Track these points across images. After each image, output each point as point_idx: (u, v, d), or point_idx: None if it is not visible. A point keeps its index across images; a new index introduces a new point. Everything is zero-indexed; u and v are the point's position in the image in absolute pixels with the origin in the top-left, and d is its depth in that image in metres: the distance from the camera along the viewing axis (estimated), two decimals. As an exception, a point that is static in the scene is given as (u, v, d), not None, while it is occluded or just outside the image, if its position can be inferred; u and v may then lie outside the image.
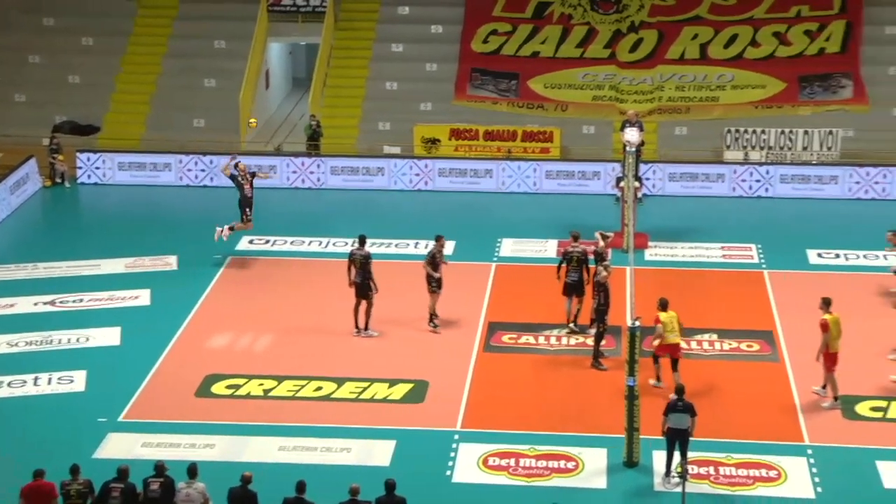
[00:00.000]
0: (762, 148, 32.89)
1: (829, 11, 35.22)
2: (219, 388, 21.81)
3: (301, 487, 16.85)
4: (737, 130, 33.01)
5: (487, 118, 33.97)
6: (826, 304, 20.86)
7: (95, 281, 26.45)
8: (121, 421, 20.75)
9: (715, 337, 23.50)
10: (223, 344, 23.64)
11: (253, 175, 27.66)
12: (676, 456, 18.64)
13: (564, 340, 23.49)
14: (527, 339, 23.56)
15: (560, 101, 34.12)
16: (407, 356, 22.94)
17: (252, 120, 31.37)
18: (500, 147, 33.43)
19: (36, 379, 22.15)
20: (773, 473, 19.03)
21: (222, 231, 27.28)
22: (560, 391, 21.74)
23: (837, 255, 27.59)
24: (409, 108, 34.72)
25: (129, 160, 33.24)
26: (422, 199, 32.07)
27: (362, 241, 23.89)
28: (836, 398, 20.81)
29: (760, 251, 27.84)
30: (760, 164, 32.22)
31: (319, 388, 21.73)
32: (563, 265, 23.62)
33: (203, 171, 33.00)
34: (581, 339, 23.34)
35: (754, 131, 32.95)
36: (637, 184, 27.84)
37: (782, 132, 32.90)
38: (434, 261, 23.54)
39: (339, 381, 21.91)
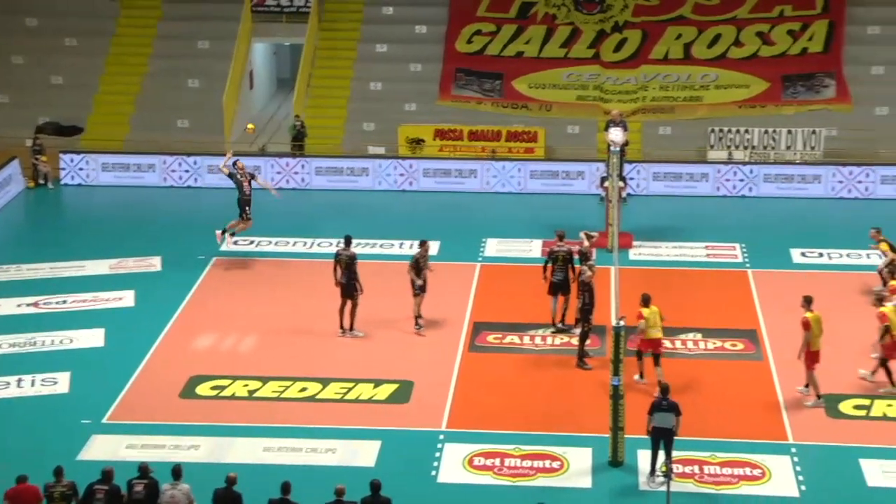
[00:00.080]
0: (746, 147, 32.98)
1: (811, 11, 35.35)
2: (203, 389, 21.77)
3: (286, 488, 16.83)
4: (720, 130, 33.09)
5: (472, 118, 33.99)
6: (807, 302, 20.94)
7: (79, 282, 26.38)
8: (105, 422, 20.69)
9: (699, 336, 23.56)
10: (208, 345, 23.60)
11: (252, 176, 27.58)
12: (661, 455, 18.67)
13: (549, 340, 23.52)
14: (512, 338, 23.58)
15: (544, 101, 34.15)
16: (392, 356, 22.94)
17: (250, 126, 31.25)
18: (485, 147, 33.45)
19: (19, 381, 22.07)
20: (757, 472, 19.08)
21: (223, 237, 27.16)
22: (545, 391, 21.76)
23: (821, 254, 27.69)
24: (393, 108, 34.72)
25: (113, 161, 33.16)
26: (406, 200, 32.07)
27: (348, 242, 23.87)
28: (818, 396, 20.89)
29: (744, 250, 27.92)
30: (744, 163, 32.32)
31: (304, 389, 21.71)
32: (549, 265, 23.64)
33: (187, 171, 32.93)
34: (566, 339, 23.36)
35: (738, 131, 33.05)
36: (621, 183, 27.86)
37: (766, 132, 33.01)
38: (417, 266, 23.52)
39: (325, 382, 21.89)
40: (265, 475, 18.41)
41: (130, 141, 34.27)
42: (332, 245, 27.45)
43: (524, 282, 25.67)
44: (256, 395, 21.57)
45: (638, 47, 35.22)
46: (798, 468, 19.20)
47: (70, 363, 22.71)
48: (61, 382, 22.05)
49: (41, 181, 32.87)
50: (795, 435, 20.15)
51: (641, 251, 27.86)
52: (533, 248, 28.01)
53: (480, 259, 27.63)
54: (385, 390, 21.65)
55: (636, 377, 21.49)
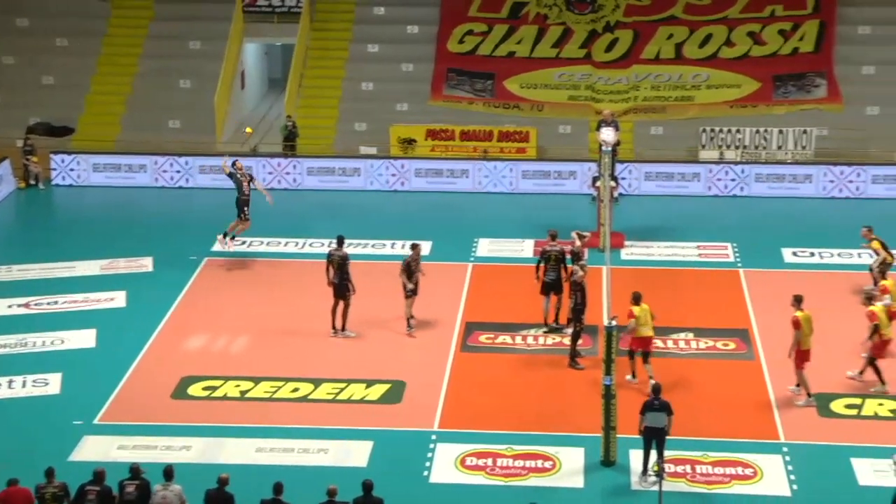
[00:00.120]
0: (737, 147, 33.02)
1: (802, 11, 35.40)
2: (195, 389, 21.74)
3: (278, 489, 16.82)
4: (712, 130, 33.13)
5: (463, 118, 33.98)
6: (798, 301, 20.98)
7: (70, 283, 26.33)
8: (96, 423, 20.66)
9: (691, 336, 23.58)
10: (199, 345, 23.57)
11: (251, 177, 27.53)
12: (653, 455, 18.69)
13: (541, 340, 23.53)
14: (504, 338, 23.58)
15: (536, 100, 34.16)
16: (384, 357, 22.93)
17: (248, 129, 31.14)
18: (477, 147, 33.45)
19: (10, 382, 22.02)
20: (749, 471, 19.11)
21: (226, 243, 27.10)
22: (537, 391, 21.77)
23: (812, 254, 27.74)
24: (385, 108, 34.70)
25: (104, 161, 33.11)
26: (398, 200, 32.07)
27: (340, 242, 23.87)
28: (809, 395, 20.93)
29: (736, 250, 27.96)
30: (735, 163, 32.36)
31: (296, 390, 21.69)
32: (542, 264, 23.66)
33: (178, 172, 32.90)
34: (558, 339, 23.38)
35: (729, 130, 33.09)
36: (613, 183, 27.89)
37: (757, 131, 33.05)
38: (409, 269, 23.50)
39: (317, 382, 21.88)
40: (257, 476, 18.39)
41: (122, 141, 34.21)
42: (323, 245, 27.44)
43: (516, 282, 25.67)
44: (248, 395, 21.55)
45: (629, 47, 35.25)
46: (790, 467, 19.23)
47: (61, 364, 22.67)
48: (53, 383, 22.01)
49: (32, 182, 32.81)
50: (787, 434, 20.19)
51: (633, 251, 27.89)
52: (525, 248, 28.02)
53: (472, 259, 27.64)
54: (377, 390, 21.64)
55: (628, 377, 21.51)
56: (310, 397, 21.47)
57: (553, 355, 22.90)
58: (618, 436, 19.19)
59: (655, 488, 17.94)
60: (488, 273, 26.83)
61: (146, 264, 27.37)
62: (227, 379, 22.03)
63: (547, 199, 31.80)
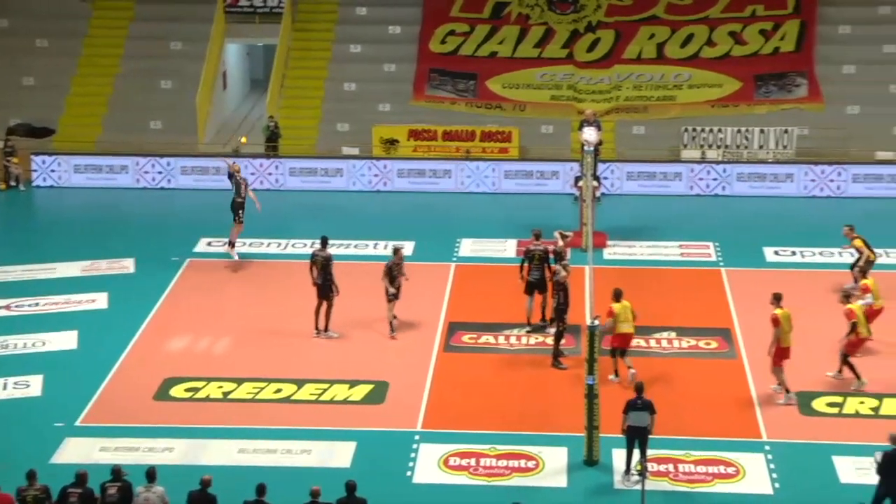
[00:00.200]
0: (719, 147, 33.11)
1: (783, 11, 35.52)
2: (178, 391, 21.68)
3: (261, 490, 16.79)
4: (694, 129, 33.21)
5: (446, 118, 33.98)
6: (776, 299, 21.07)
7: (52, 284, 26.22)
8: (78, 425, 20.58)
9: (674, 335, 23.64)
10: (182, 347, 23.51)
11: (246, 183, 27.41)
12: (636, 454, 18.72)
13: (524, 340, 23.55)
14: (487, 338, 23.59)
15: (518, 100, 34.20)
16: (367, 357, 22.91)
17: (243, 139, 30.98)
18: (459, 147, 33.45)
19: (-8, 384, 21.96)
20: (731, 470, 19.16)
21: (232, 250, 26.98)
22: (520, 391, 21.79)
23: (794, 253, 27.84)
24: (367, 108, 34.68)
25: (85, 163, 33.01)
26: (381, 200, 32.05)
27: (324, 243, 23.86)
28: (787, 391, 21.00)
29: (718, 249, 28.04)
30: (717, 162, 32.45)
31: (279, 390, 21.65)
32: (526, 264, 23.68)
33: (160, 173, 32.82)
34: (541, 339, 23.40)
35: (711, 130, 33.18)
36: (595, 183, 27.92)
37: (739, 131, 33.15)
38: (391, 273, 23.48)
39: (299, 383, 21.85)
40: (240, 477, 18.35)
41: (103, 142, 34.09)
42: (306, 246, 27.41)
43: (499, 282, 25.70)
44: (231, 396, 21.50)
45: (611, 47, 35.31)
46: (772, 466, 19.29)
47: (43, 366, 22.57)
48: (34, 385, 21.91)
49: (12, 183, 32.67)
50: (769, 432, 20.25)
51: (616, 250, 27.94)
52: (507, 248, 28.04)
53: (455, 259, 27.64)
54: (360, 391, 21.62)
55: (611, 376, 21.55)
56: (293, 398, 21.44)
57: (536, 355, 22.92)
58: (601, 435, 19.21)
59: (638, 487, 17.97)
60: (471, 273, 26.84)
61: (128, 266, 27.28)
62: (209, 380, 21.97)
63: (529, 199, 31.83)
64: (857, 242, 24.69)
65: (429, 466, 19.33)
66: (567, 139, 33.53)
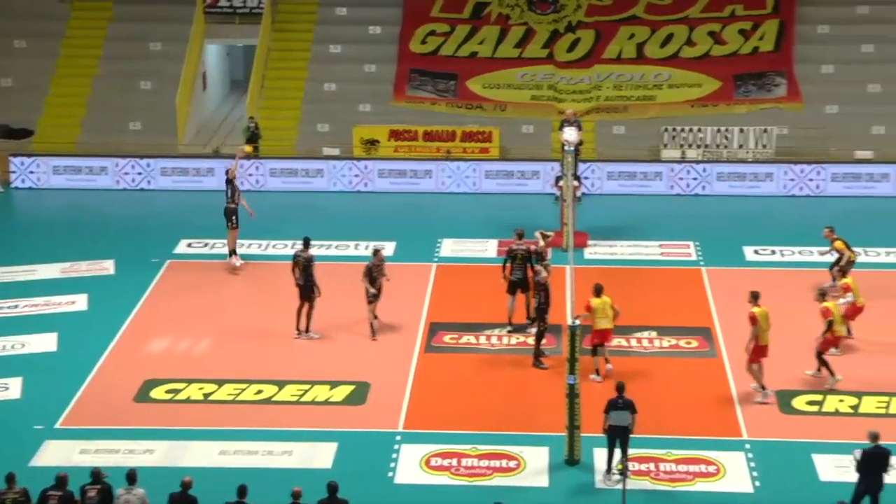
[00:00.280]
0: (699, 146, 33.19)
1: (762, 11, 35.64)
2: (158, 392, 21.62)
3: (242, 491, 16.76)
4: (674, 129, 33.28)
5: (426, 119, 33.97)
6: (754, 297, 21.15)
7: (31, 286, 26.11)
8: (58, 428, 20.50)
9: (654, 334, 23.69)
10: (162, 348, 23.44)
11: (239, 190, 27.19)
12: (617, 453, 18.76)
13: (505, 340, 23.56)
14: (468, 338, 23.60)
15: (499, 101, 34.22)
16: (348, 358, 22.89)
17: (248, 147, 30.83)
18: (440, 147, 33.45)
19: (-30, 387, 21.85)
20: (712, 469, 19.22)
21: (236, 261, 26.78)
22: (501, 391, 21.80)
23: (773, 252, 27.94)
24: (347, 109, 34.64)
25: (65, 164, 32.87)
26: (361, 201, 32.02)
27: (306, 244, 23.83)
28: (763, 388, 21.06)
29: (698, 248, 28.11)
30: (697, 162, 32.54)
31: (260, 392, 21.61)
32: (508, 263, 23.70)
33: (140, 174, 32.71)
34: (522, 339, 23.42)
35: (691, 130, 33.26)
36: (576, 183, 27.96)
37: (718, 130, 33.24)
38: (371, 275, 23.46)
39: (280, 384, 21.81)
40: (221, 478, 18.28)
41: (82, 143, 33.95)
42: (287, 247, 27.38)
43: (480, 282, 25.71)
44: (212, 398, 21.45)
45: (591, 47, 35.37)
46: (752, 464, 19.36)
47: (22, 368, 22.47)
48: (13, 388, 21.81)
49: (-9, 185, 32.54)
50: (749, 431, 20.32)
51: (596, 250, 27.99)
52: (488, 248, 28.06)
53: (436, 259, 27.64)
54: (341, 392, 21.60)
55: (592, 375, 21.58)
56: (274, 399, 21.40)
57: (517, 355, 22.93)
58: (582, 435, 19.25)
59: (619, 486, 18.00)
60: (452, 273, 26.84)
61: (108, 267, 27.18)
62: (190, 382, 21.91)
63: (510, 198, 31.86)
64: (839, 244, 24.76)
65: (410, 467, 19.32)
66: (548, 139, 33.57)
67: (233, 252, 26.90)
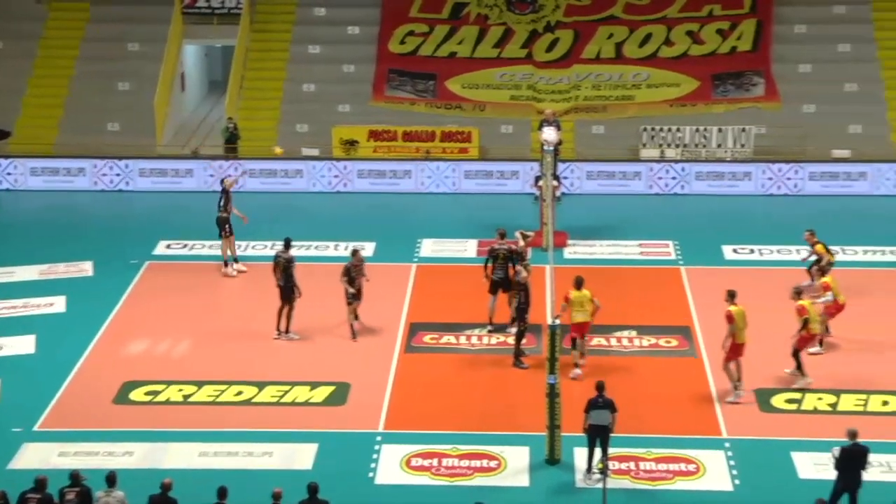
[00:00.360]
0: (677, 146, 33.29)
1: (740, 10, 35.78)
2: (137, 394, 21.54)
3: (223, 493, 16.71)
4: (652, 129, 33.37)
5: (405, 119, 33.96)
6: (731, 296, 21.24)
7: (9, 288, 25.98)
8: (36, 430, 20.41)
9: (634, 333, 23.75)
10: (141, 350, 23.36)
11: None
12: (597, 452, 18.80)
13: (485, 340, 23.58)
14: (448, 338, 23.60)
15: (478, 101, 34.24)
16: (328, 358, 22.87)
17: (278, 149, 30.67)
18: (419, 147, 33.45)
19: (-52, 390, 21.72)
20: (691, 467, 19.28)
21: (233, 268, 26.59)
22: (482, 390, 21.82)
23: (752, 251, 28.05)
24: (326, 109, 34.60)
25: (42, 165, 32.72)
26: (341, 201, 31.99)
27: (287, 245, 23.79)
28: (739, 379, 21.10)
29: (677, 248, 28.20)
30: (676, 161, 32.64)
31: (240, 393, 21.57)
32: (490, 263, 23.72)
33: (118, 175, 32.59)
34: (502, 338, 23.44)
35: (669, 129, 33.36)
36: (555, 182, 28.03)
37: (697, 130, 33.34)
38: (349, 275, 23.43)
39: (260, 385, 21.76)
40: (201, 480, 18.23)
41: (60, 145, 33.80)
42: (266, 248, 27.32)
43: (460, 282, 25.72)
44: (191, 399, 21.39)
45: (570, 47, 35.43)
46: (732, 462, 19.43)
47: (0, 370, 22.33)
48: (-9, 390, 21.73)
49: (-32, 186, 32.36)
50: (729, 430, 20.39)
51: (576, 250, 28.04)
52: (468, 248, 28.07)
53: (416, 259, 27.63)
54: (321, 392, 21.57)
55: (571, 375, 21.60)
56: (254, 400, 21.36)
57: (497, 355, 22.95)
58: (562, 434, 19.27)
59: (600, 486, 18.04)
60: (432, 273, 26.85)
61: (86, 269, 27.07)
62: (169, 383, 21.85)
63: (490, 198, 31.88)
64: (819, 248, 24.80)
65: (391, 467, 19.32)
66: (527, 139, 33.61)
67: (228, 261, 26.61)
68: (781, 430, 20.37)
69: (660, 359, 22.94)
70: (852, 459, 17.51)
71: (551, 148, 27.08)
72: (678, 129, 33.34)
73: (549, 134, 27.12)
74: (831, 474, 17.81)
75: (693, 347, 23.26)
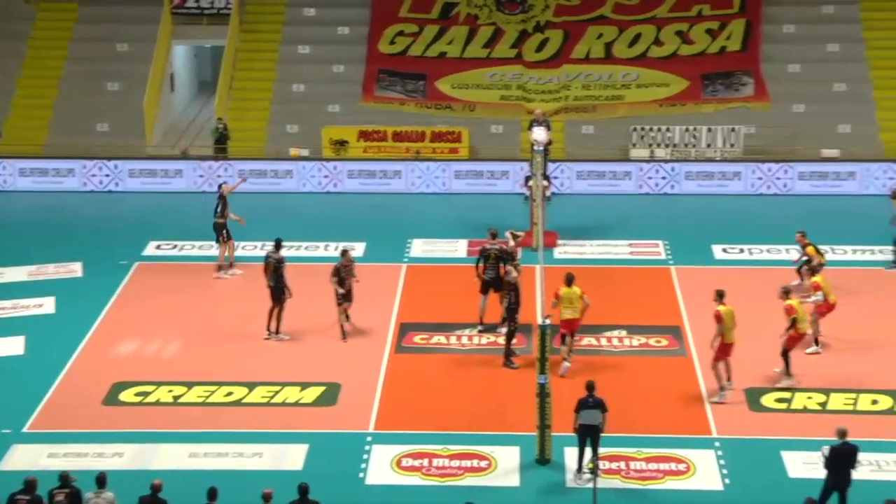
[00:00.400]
0: (667, 146, 33.33)
1: (729, 10, 35.84)
2: (127, 395, 21.50)
3: (213, 494, 16.69)
4: (642, 128, 33.41)
5: (395, 119, 33.95)
6: (719, 296, 21.27)
7: (-2, 289, 25.95)
8: (26, 432, 20.36)
9: (624, 333, 23.77)
10: (131, 351, 23.32)
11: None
12: (588, 452, 18.81)
13: (476, 340, 23.58)
14: (438, 339, 23.60)
15: (468, 101, 34.25)
16: (318, 359, 22.85)
17: (299, 150, 30.53)
18: (409, 148, 33.44)
19: (-63, 391, 21.65)
20: (682, 467, 19.30)
21: (228, 272, 26.49)
22: (472, 391, 21.82)
23: (742, 250, 28.09)
24: (316, 110, 34.57)
25: (31, 166, 32.65)
26: (331, 201, 31.97)
27: (278, 245, 23.78)
28: (721, 388, 21.12)
29: (667, 247, 28.24)
30: (666, 161, 32.68)
31: (230, 394, 21.54)
32: (481, 263, 23.73)
33: (108, 176, 32.53)
34: (492, 339, 23.44)
35: (659, 129, 33.40)
36: (545, 182, 28.04)
37: (686, 130, 33.38)
38: (339, 275, 23.41)
39: (251, 386, 21.74)
40: (191, 481, 18.23)
41: (49, 145, 33.72)
42: (256, 248, 27.29)
43: (450, 282, 25.72)
44: (181, 400, 21.36)
45: (560, 47, 35.45)
46: (722, 462, 19.45)
47: (-11, 372, 22.33)
48: (-20, 392, 21.67)
49: (-43, 187, 32.28)
50: (719, 429, 20.42)
51: (566, 249, 28.06)
52: (458, 248, 28.07)
53: (406, 260, 27.63)
54: (312, 393, 21.55)
55: (560, 371, 21.61)
56: (244, 401, 21.33)
57: (487, 355, 22.96)
58: (553, 434, 19.28)
59: (590, 485, 18.05)
60: (422, 274, 26.84)
61: (75, 270, 27.02)
62: (159, 384, 21.81)
63: (480, 198, 31.89)
64: (810, 250, 24.82)
65: (381, 467, 19.31)
66: (517, 139, 33.62)
67: (222, 265, 26.53)
68: (771, 429, 20.40)
69: (650, 358, 22.96)
70: (842, 458, 17.55)
71: (541, 148, 27.14)
72: (668, 129, 33.39)
73: (539, 134, 27.15)
74: (821, 473, 17.85)
75: (683, 347, 23.29)
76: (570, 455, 19.23)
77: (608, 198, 31.95)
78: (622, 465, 19.28)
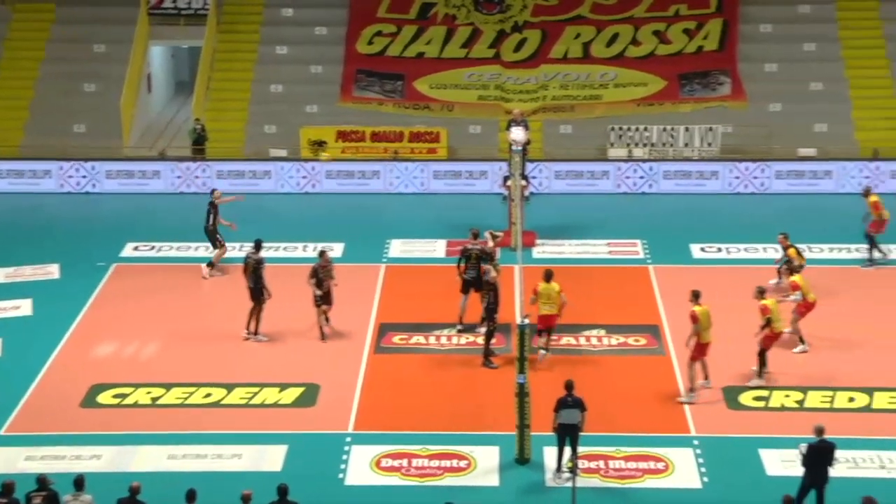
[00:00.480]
0: (645, 145, 33.42)
1: (706, 10, 35.97)
2: (105, 397, 21.42)
3: (191, 496, 16.64)
4: (620, 128, 33.49)
5: (374, 119, 33.94)
6: (695, 296, 21.35)
7: (-26, 292, 25.80)
8: (3, 434, 20.27)
9: (603, 332, 23.83)
10: (109, 353, 23.23)
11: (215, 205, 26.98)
12: (567, 451, 18.84)
13: (455, 340, 23.59)
14: (417, 339, 23.60)
15: (446, 101, 34.27)
16: (297, 360, 22.82)
17: (324, 155, 30.36)
18: (387, 148, 33.42)
19: (-87, 394, 21.51)
20: (660, 465, 19.36)
21: (208, 273, 26.45)
22: (451, 390, 21.83)
23: (719, 249, 28.19)
24: (294, 110, 34.52)
25: (8, 168, 32.49)
26: (309, 202, 31.92)
27: (257, 247, 23.73)
28: (706, 377, 21.18)
29: (645, 247, 28.31)
30: (643, 160, 32.77)
31: (209, 395, 21.48)
32: (462, 263, 23.74)
33: (85, 177, 32.40)
34: (471, 338, 23.46)
35: (637, 129, 33.48)
36: (524, 182, 28.06)
37: (664, 129, 33.48)
38: (317, 276, 23.38)
39: (229, 387, 21.69)
40: (170, 483, 18.19)
41: (25, 147, 33.56)
42: (235, 249, 27.21)
43: (429, 282, 25.73)
44: (160, 402, 21.29)
45: (538, 47, 35.51)
46: (700, 460, 19.52)
47: (-34, 375, 22.20)
48: (-43, 395, 21.54)
49: (-67, 189, 32.07)
50: (697, 427, 20.49)
51: (545, 249, 28.10)
52: (437, 249, 28.08)
53: (385, 260, 27.61)
54: (291, 394, 21.52)
55: (540, 352, 21.70)
56: (222, 402, 21.28)
57: (466, 355, 22.97)
58: (532, 433, 19.30)
59: (569, 484, 18.08)
60: (401, 274, 26.83)
61: (52, 271, 26.90)
62: (137, 386, 21.74)
63: (458, 198, 31.90)
64: (791, 252, 24.89)
65: (361, 468, 19.30)
66: (495, 139, 33.65)
67: (209, 264, 26.51)
68: (749, 427, 20.48)
69: (629, 357, 23.02)
70: (819, 456, 17.64)
71: (520, 148, 27.15)
72: (646, 129, 33.47)
73: (518, 134, 27.17)
74: (799, 471, 17.93)
75: (661, 346, 23.35)
76: (550, 454, 19.26)
77: (586, 197, 32.01)
78: (601, 464, 19.32)
